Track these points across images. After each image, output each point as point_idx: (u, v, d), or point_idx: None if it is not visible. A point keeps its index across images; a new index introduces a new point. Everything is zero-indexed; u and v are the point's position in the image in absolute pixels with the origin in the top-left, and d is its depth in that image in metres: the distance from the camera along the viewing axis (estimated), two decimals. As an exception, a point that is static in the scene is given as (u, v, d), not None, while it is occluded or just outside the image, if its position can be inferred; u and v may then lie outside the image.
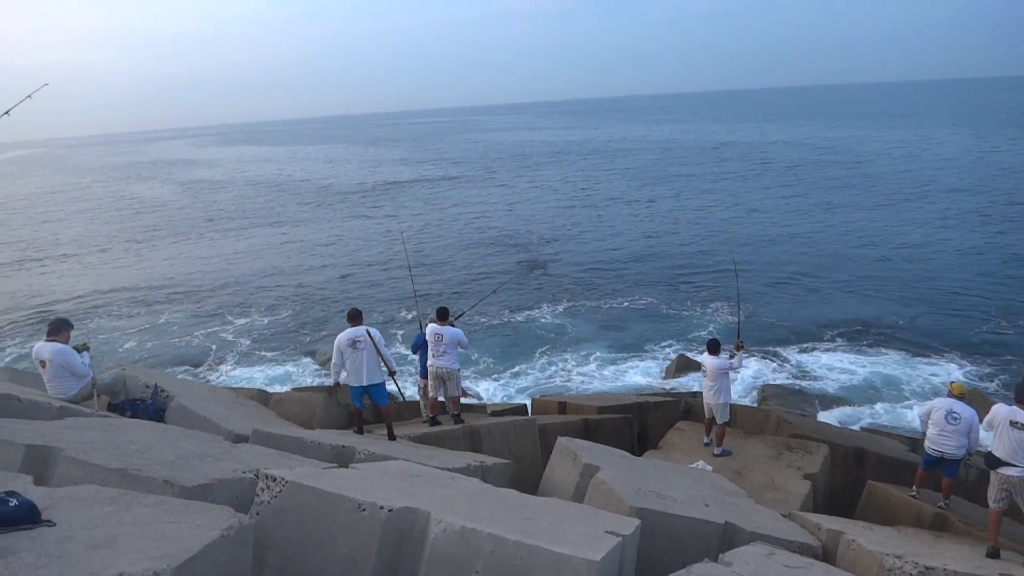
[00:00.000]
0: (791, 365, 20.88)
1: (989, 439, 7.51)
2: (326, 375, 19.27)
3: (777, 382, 18.89)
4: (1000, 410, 7.22)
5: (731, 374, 10.48)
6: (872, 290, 27.30)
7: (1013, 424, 6.96)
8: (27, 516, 3.28)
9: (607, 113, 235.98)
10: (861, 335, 22.69)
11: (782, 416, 11.82)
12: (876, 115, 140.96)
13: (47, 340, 7.86)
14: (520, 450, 9.50)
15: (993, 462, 7.08)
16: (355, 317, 9.10)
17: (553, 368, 21.05)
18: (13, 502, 3.30)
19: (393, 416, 9.33)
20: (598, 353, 21.94)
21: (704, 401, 10.40)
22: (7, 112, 9.47)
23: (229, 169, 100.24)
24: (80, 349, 8.00)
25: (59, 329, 7.97)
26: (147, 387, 8.36)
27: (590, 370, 20.68)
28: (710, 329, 23.52)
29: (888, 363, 20.23)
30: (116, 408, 7.95)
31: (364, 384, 8.90)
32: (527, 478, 8.48)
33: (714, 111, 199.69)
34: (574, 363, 21.33)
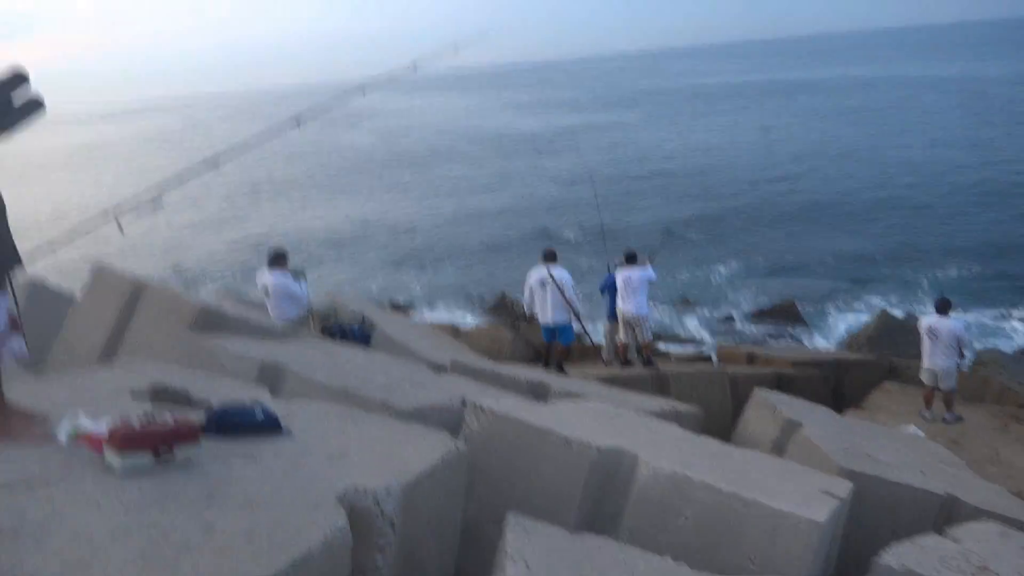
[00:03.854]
0: (1013, 327, 18.83)
1: None
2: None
3: (994, 346, 17.08)
4: None
5: None
6: None
7: None
8: (271, 425, 3.54)
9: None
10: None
11: (1006, 383, 10.66)
12: None
13: (269, 269, 8.55)
14: (709, 399, 9.22)
15: None
16: (549, 256, 9.28)
17: (729, 320, 20.19)
18: (260, 411, 3.57)
19: (567, 354, 9.46)
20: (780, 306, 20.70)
21: (926, 367, 9.42)
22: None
23: (419, 117, 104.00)
24: (298, 275, 8.68)
25: (279, 259, 8.65)
26: (355, 314, 8.91)
27: (772, 324, 19.62)
28: (923, 288, 21.58)
29: None
30: (328, 333, 8.53)
31: (550, 322, 9.11)
32: (715, 429, 8.19)
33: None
34: (754, 314, 20.31)
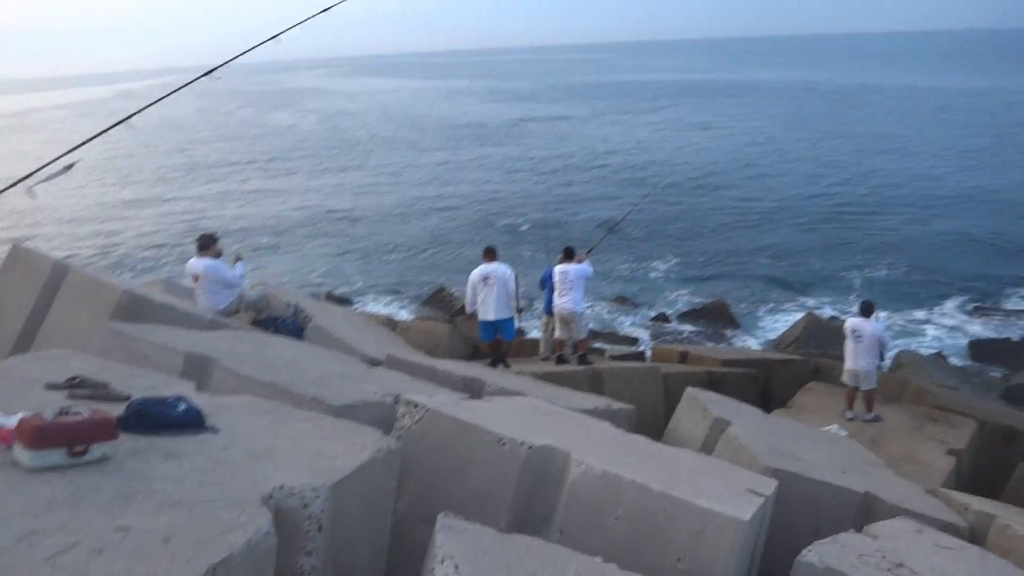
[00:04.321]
0: (930, 330, 19.69)
1: None
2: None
3: (912, 347, 17.82)
4: None
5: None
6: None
7: None
8: (194, 421, 3.43)
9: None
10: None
11: (922, 385, 11.11)
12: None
13: (199, 256, 8.28)
14: (642, 397, 9.34)
15: None
16: (489, 253, 9.38)
17: (663, 319, 20.51)
18: (182, 406, 3.45)
19: (508, 349, 9.54)
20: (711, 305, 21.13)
21: (848, 368, 9.70)
22: (326, 9, 8.77)
23: (362, 101, 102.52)
24: (236, 259, 8.45)
25: (208, 244, 8.37)
26: (288, 306, 8.71)
27: (704, 324, 20.02)
28: (854, 288, 22.36)
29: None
30: (259, 324, 8.33)
31: (492, 319, 9.10)
32: (648, 426, 8.34)
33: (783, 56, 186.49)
34: (687, 314, 20.70)
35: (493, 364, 9.42)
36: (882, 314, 18.57)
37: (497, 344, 9.77)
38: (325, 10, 8.70)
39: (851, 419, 9.53)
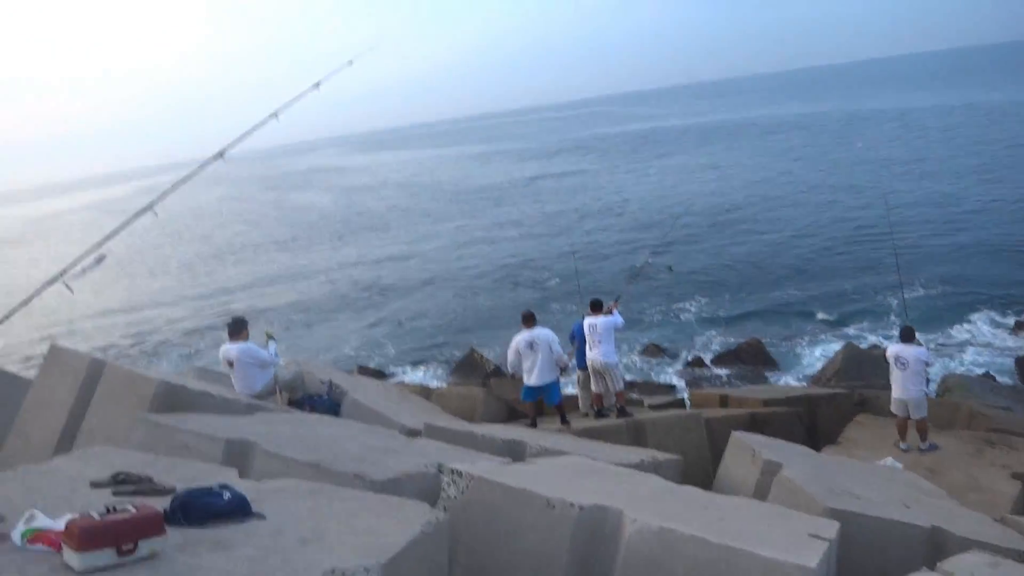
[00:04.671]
0: (972, 350, 19.21)
1: None
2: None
3: (960, 371, 17.36)
4: None
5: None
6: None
7: None
8: (240, 509, 3.38)
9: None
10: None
11: (975, 408, 10.77)
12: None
13: (230, 341, 8.33)
14: (686, 445, 9.13)
15: None
16: (529, 319, 9.67)
17: (699, 364, 20.23)
18: (227, 495, 3.41)
19: (561, 410, 9.77)
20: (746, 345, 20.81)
21: (897, 398, 9.38)
22: (350, 62, 9.57)
23: (376, 174, 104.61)
24: (268, 338, 8.51)
25: (239, 329, 8.43)
26: (323, 383, 8.72)
27: (741, 365, 19.69)
28: (889, 312, 22.01)
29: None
30: (295, 404, 8.33)
31: (539, 384, 9.34)
32: (695, 474, 8.14)
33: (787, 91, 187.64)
34: (722, 356, 20.40)
35: (533, 424, 9.39)
36: (921, 336, 18.25)
37: (539, 406, 9.72)
38: (316, 85, 9.25)
39: (905, 450, 9.19)
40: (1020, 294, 22.43)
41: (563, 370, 9.77)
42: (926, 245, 28.35)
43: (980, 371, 17.56)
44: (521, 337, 9.57)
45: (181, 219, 68.70)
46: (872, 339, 20.21)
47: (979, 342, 19.82)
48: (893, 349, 9.61)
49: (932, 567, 4.87)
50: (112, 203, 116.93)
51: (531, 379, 9.45)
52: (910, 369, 9.23)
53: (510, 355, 9.64)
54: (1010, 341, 19.58)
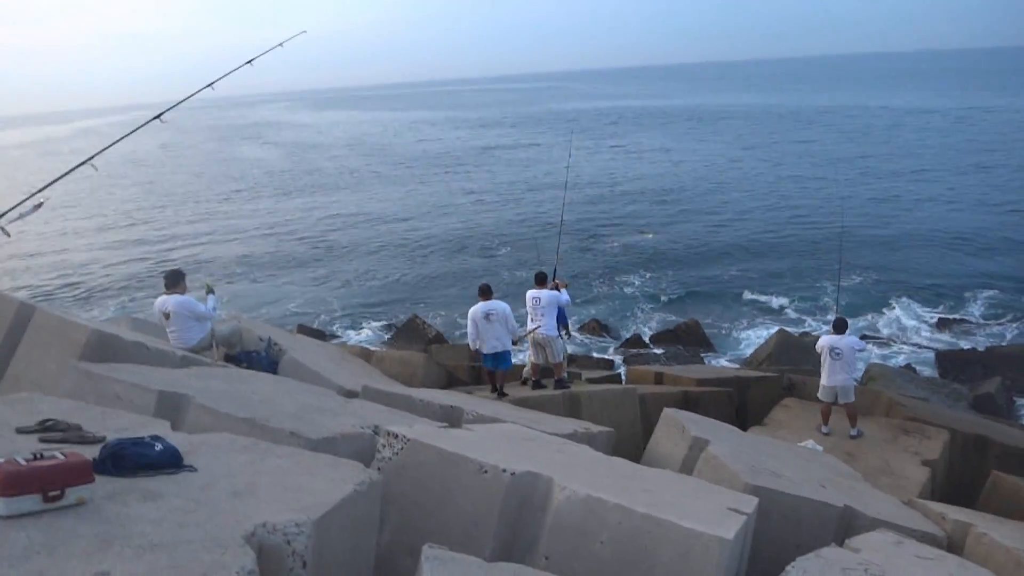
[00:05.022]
0: (898, 341, 20.04)
1: None
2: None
3: (883, 361, 18.09)
4: None
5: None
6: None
7: None
8: (171, 461, 3.37)
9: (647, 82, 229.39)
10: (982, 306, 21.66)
11: (894, 398, 11.26)
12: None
13: (167, 293, 8.16)
14: (620, 419, 9.34)
15: None
16: (486, 292, 9.94)
17: (638, 341, 20.62)
18: (159, 446, 3.39)
19: (504, 379, 10.06)
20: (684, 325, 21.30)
21: (827, 385, 9.67)
22: (250, 61, 9.48)
23: (325, 132, 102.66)
24: (207, 291, 8.37)
25: (176, 281, 8.26)
26: (261, 340, 8.62)
27: (678, 344, 20.13)
28: (822, 301, 22.76)
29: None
30: (232, 359, 8.22)
31: (494, 351, 9.73)
32: (627, 448, 8.35)
33: (765, 80, 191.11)
34: (660, 335, 20.83)
35: (494, 391, 9.77)
36: (851, 324, 18.95)
37: (493, 374, 10.04)
38: (249, 62, 9.59)
39: (827, 434, 9.58)
40: (947, 288, 23.50)
41: (515, 342, 10.11)
42: (863, 239, 29.27)
43: (903, 362, 18.34)
44: (478, 308, 9.87)
45: (121, 166, 66.30)
46: (810, 323, 20.99)
47: (905, 334, 20.68)
48: (827, 340, 9.88)
49: (841, 544, 5.15)
50: (50, 143, 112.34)
51: (486, 347, 9.79)
52: (844, 359, 9.56)
53: (469, 327, 9.99)
54: (935, 335, 20.49)
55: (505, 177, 50.95)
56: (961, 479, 9.45)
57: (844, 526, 5.87)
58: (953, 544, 6.32)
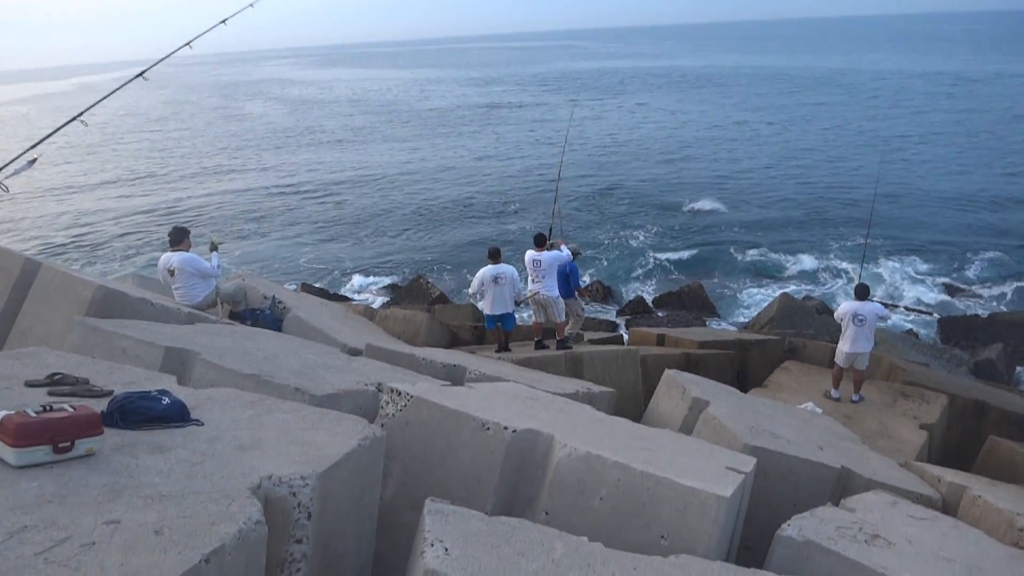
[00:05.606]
0: (904, 307, 20.08)
1: None
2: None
3: (885, 325, 18.13)
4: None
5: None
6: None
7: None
8: (178, 414, 3.42)
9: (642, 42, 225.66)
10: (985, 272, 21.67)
11: (895, 362, 11.32)
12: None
13: (172, 250, 8.19)
14: (621, 380, 9.42)
15: None
16: (495, 255, 10.13)
17: (641, 303, 20.71)
18: (166, 400, 3.44)
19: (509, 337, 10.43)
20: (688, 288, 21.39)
21: (848, 351, 9.55)
22: (224, 21, 9.54)
23: (330, 89, 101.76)
24: (212, 248, 8.41)
25: (181, 238, 8.28)
26: (265, 298, 8.66)
27: (681, 307, 20.21)
28: (827, 263, 22.78)
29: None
30: (237, 317, 8.28)
31: (499, 313, 10.01)
32: (628, 408, 8.44)
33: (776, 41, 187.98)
34: (663, 297, 20.91)
35: (500, 350, 9.99)
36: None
37: (500, 332, 10.26)
38: (223, 21, 9.48)
39: (836, 399, 9.56)
40: (954, 250, 23.56)
41: (518, 303, 10.35)
42: (870, 204, 29.11)
43: (905, 327, 18.39)
44: (487, 270, 10.05)
45: (123, 123, 65.92)
46: (813, 287, 21.04)
47: (907, 298, 20.72)
48: (850, 306, 9.73)
49: (837, 504, 5.24)
50: (51, 99, 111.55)
51: (490, 309, 10.03)
52: (867, 325, 9.50)
53: (474, 284, 10.23)
54: (939, 298, 20.56)
55: (511, 136, 50.67)
56: (959, 443, 9.55)
57: (841, 487, 5.95)
58: (948, 506, 6.42)
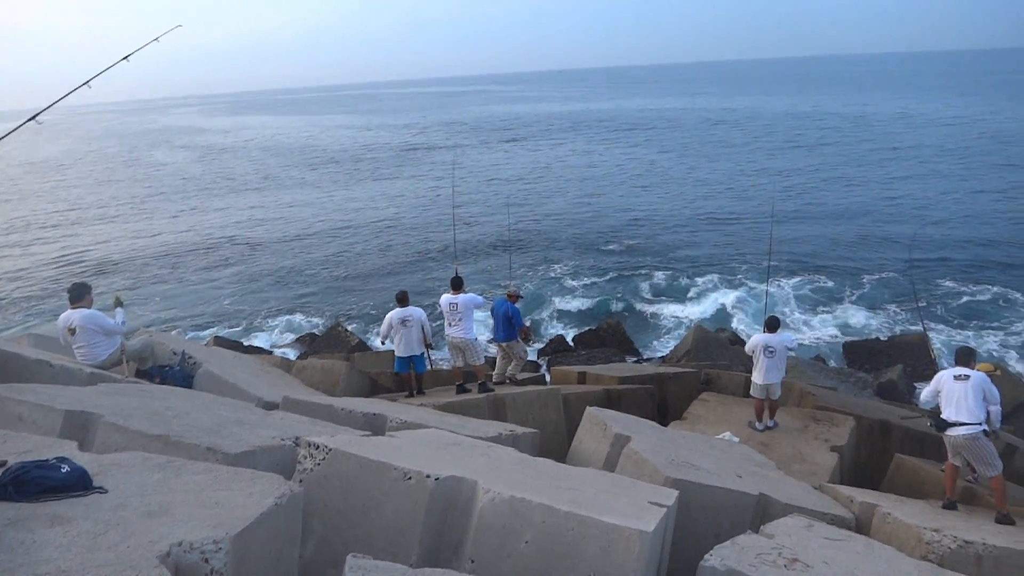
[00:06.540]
0: (810, 335, 20.92)
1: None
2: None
3: (794, 353, 18.87)
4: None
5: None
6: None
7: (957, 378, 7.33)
8: (79, 482, 3.25)
9: (616, 85, 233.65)
10: (882, 300, 22.83)
11: (805, 388, 11.75)
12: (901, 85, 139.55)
13: (72, 308, 7.82)
14: (544, 419, 9.46)
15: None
16: (403, 299, 10.35)
17: (560, 341, 20.96)
18: (65, 468, 3.26)
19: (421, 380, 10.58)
20: (606, 326, 21.81)
21: (761, 383, 9.77)
22: (127, 57, 9.20)
23: (240, 136, 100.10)
24: (116, 303, 8.06)
25: (82, 294, 7.92)
26: (175, 353, 8.35)
27: (600, 344, 20.55)
28: (735, 292, 23.66)
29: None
30: (144, 375, 7.94)
31: (408, 355, 10.13)
32: (552, 448, 8.47)
33: (734, 82, 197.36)
34: (583, 335, 21.23)
35: (411, 394, 10.12)
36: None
37: (412, 376, 10.32)
38: (125, 58, 9.30)
39: (762, 430, 9.75)
40: (853, 276, 24.81)
41: (427, 346, 10.56)
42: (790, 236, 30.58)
43: (813, 354, 19.17)
44: (395, 313, 10.20)
45: (17, 171, 62.98)
46: (715, 324, 21.74)
47: (813, 327, 21.64)
48: (761, 339, 9.96)
49: (757, 530, 5.36)
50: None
51: (401, 351, 10.14)
52: (778, 356, 9.78)
53: (384, 327, 10.39)
54: (841, 324, 21.56)
55: (423, 180, 50.79)
56: (867, 463, 9.94)
57: (760, 513, 6.10)
58: (861, 524, 6.67)
